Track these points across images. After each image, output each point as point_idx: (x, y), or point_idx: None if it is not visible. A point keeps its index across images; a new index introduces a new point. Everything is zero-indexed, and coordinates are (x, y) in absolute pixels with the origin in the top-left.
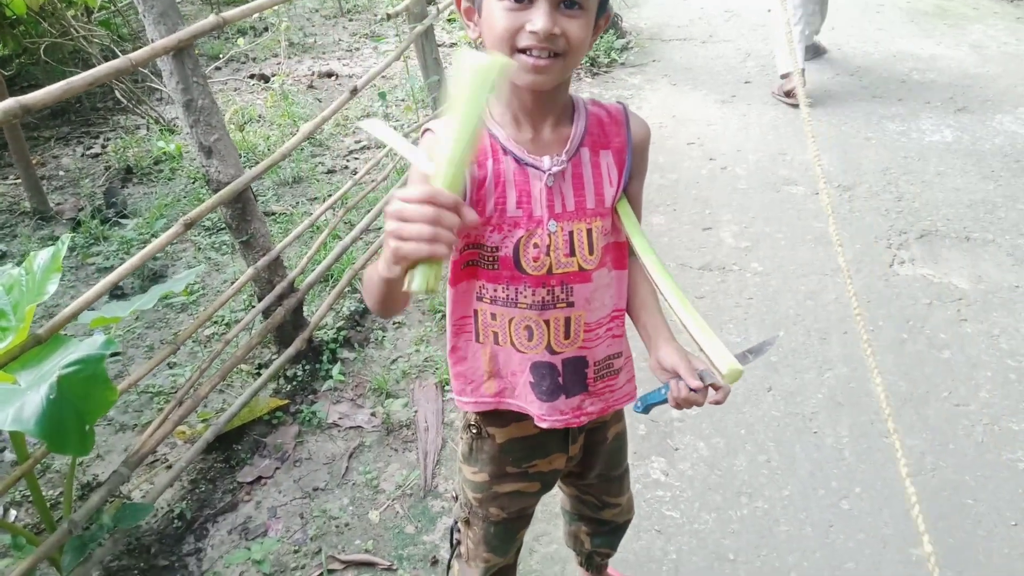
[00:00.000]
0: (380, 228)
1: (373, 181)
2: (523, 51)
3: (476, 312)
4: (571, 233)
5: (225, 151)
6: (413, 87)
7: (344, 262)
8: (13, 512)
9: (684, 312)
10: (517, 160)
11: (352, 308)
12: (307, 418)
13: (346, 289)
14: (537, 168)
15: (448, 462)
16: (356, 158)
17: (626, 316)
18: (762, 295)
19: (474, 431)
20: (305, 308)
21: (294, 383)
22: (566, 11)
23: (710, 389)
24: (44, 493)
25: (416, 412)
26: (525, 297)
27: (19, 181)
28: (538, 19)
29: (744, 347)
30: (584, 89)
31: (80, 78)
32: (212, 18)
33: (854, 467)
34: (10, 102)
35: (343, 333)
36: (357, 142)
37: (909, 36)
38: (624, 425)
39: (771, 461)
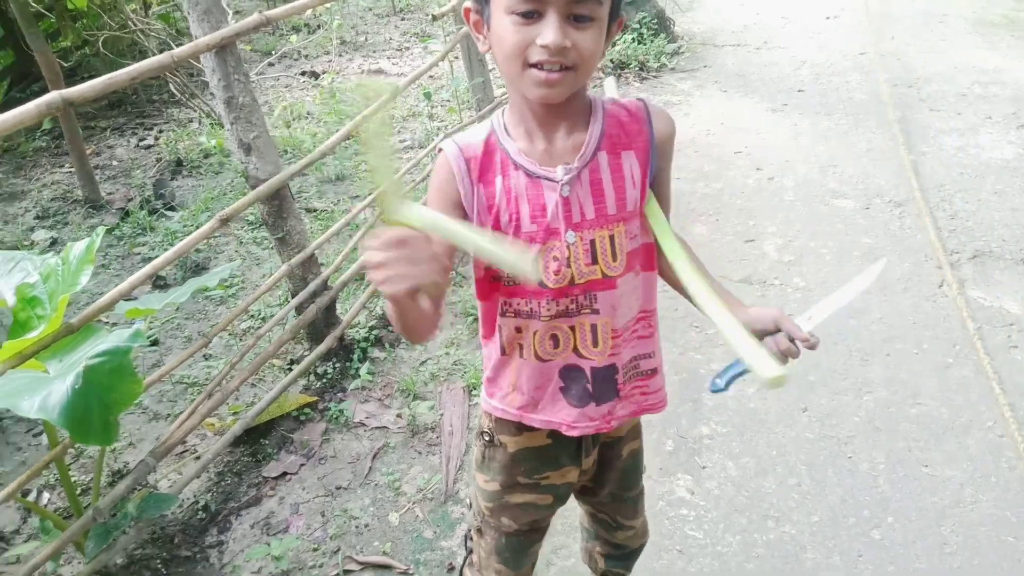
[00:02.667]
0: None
1: (414, 181)
2: (534, 65)
3: (500, 327)
4: (592, 242)
5: (264, 148)
6: (457, 88)
7: None
8: (46, 495)
9: (720, 315)
10: (528, 174)
11: (385, 308)
12: (334, 416)
13: None
14: (550, 179)
15: (470, 467)
16: (399, 158)
17: (655, 317)
18: (803, 311)
19: (486, 439)
20: (338, 306)
21: (324, 380)
22: (576, 23)
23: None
24: (77, 478)
25: (442, 415)
26: (548, 309)
27: (73, 170)
28: (548, 33)
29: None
30: (632, 93)
31: (123, 72)
32: (255, 16)
33: (888, 496)
34: (53, 95)
35: (375, 332)
36: (401, 141)
37: (973, 47)
38: (641, 443)
39: (801, 485)
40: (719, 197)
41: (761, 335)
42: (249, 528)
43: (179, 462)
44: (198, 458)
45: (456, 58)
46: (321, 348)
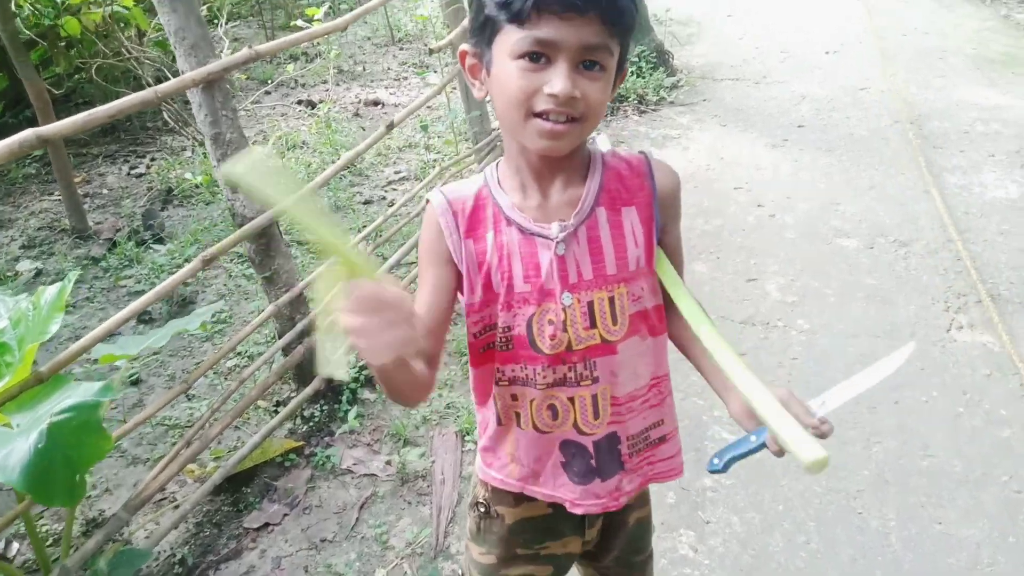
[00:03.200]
0: (413, 263)
1: (408, 214)
2: (538, 115)
3: (495, 397)
4: (590, 304)
5: None
6: (454, 120)
7: None
8: (16, 545)
9: (753, 387)
10: (522, 229)
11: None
12: (321, 462)
13: None
14: (545, 236)
15: (462, 520)
16: (394, 189)
17: (668, 382)
18: (808, 355)
19: (482, 510)
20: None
21: (310, 424)
22: (586, 72)
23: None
24: (49, 526)
25: (433, 462)
26: (544, 377)
27: (60, 199)
28: (557, 81)
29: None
30: (631, 127)
31: (103, 110)
32: (244, 52)
33: (901, 556)
34: (27, 133)
35: (365, 372)
36: (396, 173)
37: (973, 84)
38: (649, 511)
39: (810, 543)
40: (719, 234)
41: None
42: None
43: (156, 511)
44: (176, 507)
45: (454, 89)
46: (308, 391)
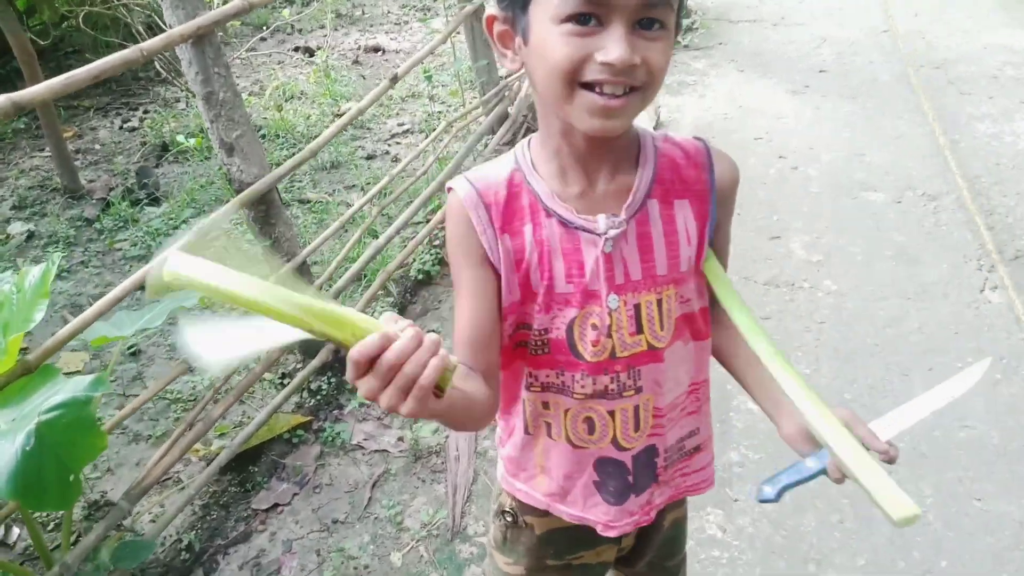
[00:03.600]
0: (420, 223)
1: (415, 171)
2: (588, 86)
3: (524, 401)
4: (637, 307)
5: (248, 148)
6: (459, 69)
7: (379, 262)
8: (16, 530)
9: (830, 427)
10: (564, 223)
11: (385, 312)
12: (330, 438)
13: (379, 292)
14: (590, 231)
15: (479, 499)
16: (398, 143)
17: (707, 388)
18: (836, 319)
19: (509, 519)
20: None
21: (318, 397)
22: (645, 32)
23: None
24: (51, 511)
25: (447, 438)
26: (583, 386)
27: (51, 155)
28: (613, 47)
29: (814, 383)
30: None
31: (84, 71)
32: (236, 2)
33: (941, 535)
34: (1, 100)
35: None
36: (400, 125)
37: (1001, 26)
38: (685, 511)
39: (844, 523)
40: (740, 188)
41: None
42: (237, 569)
43: (161, 493)
44: (182, 489)
45: (458, 33)
46: (315, 362)
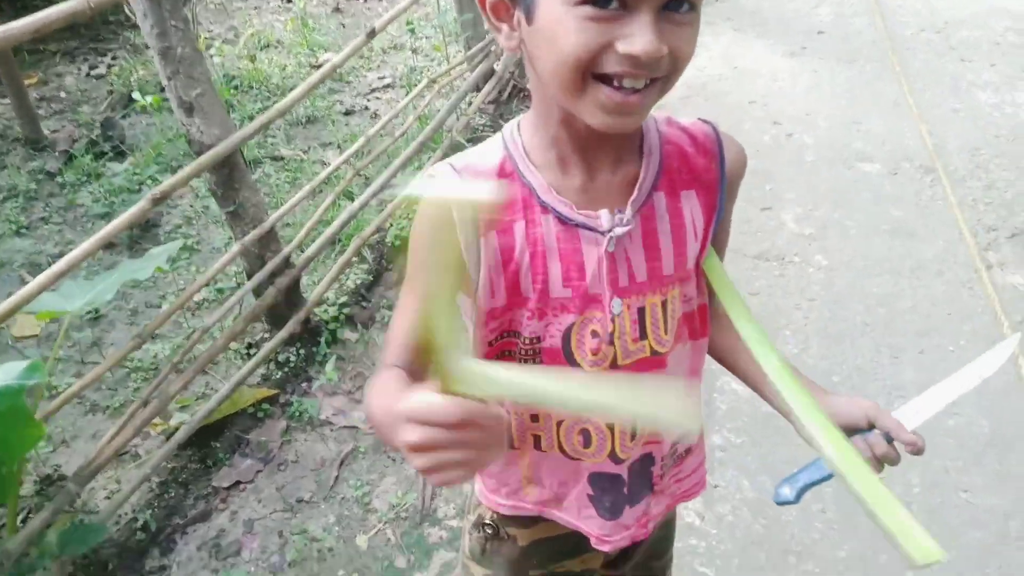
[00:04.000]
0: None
1: (394, 130)
2: (603, 77)
3: (508, 412)
4: (641, 311)
5: (209, 108)
6: (443, 22)
7: (353, 227)
8: None
9: (841, 452)
10: (561, 219)
11: (359, 280)
12: (297, 412)
13: (353, 258)
14: (592, 229)
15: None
16: (378, 98)
17: (700, 384)
18: (826, 296)
19: (489, 531)
20: (305, 278)
21: (285, 369)
22: (674, 15)
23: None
24: None
25: None
26: None
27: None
28: (640, 36)
29: (801, 363)
30: None
31: (21, 24)
32: None
33: (924, 526)
34: None
35: (345, 311)
36: (380, 79)
37: None
38: (674, 511)
39: (826, 512)
40: None
41: (848, 431)
42: (196, 550)
43: (117, 469)
44: (139, 465)
45: None
46: (282, 334)
